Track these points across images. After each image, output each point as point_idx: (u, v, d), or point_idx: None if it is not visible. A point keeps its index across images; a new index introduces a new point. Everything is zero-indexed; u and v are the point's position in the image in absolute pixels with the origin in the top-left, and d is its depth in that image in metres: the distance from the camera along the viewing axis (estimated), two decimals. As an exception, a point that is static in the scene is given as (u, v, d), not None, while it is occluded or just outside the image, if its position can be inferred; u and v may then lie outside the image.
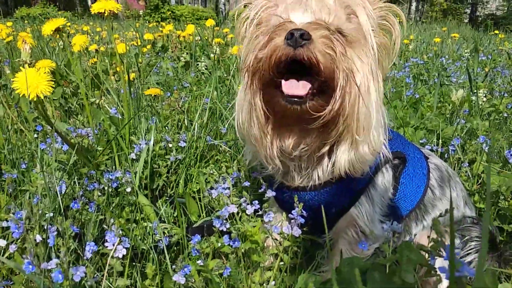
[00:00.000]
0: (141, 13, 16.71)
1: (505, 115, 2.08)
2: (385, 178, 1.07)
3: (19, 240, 0.89)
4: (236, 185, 1.33)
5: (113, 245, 0.96)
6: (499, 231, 1.24)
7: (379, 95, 0.97)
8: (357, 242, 1.04)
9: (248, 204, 1.12)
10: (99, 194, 1.34)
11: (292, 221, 1.04)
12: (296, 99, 0.88)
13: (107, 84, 2.21)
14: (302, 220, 1.02)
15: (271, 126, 0.99)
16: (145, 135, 1.59)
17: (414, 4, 28.87)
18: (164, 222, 1.28)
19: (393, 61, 1.00)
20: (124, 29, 7.27)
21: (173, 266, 0.91)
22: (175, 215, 1.43)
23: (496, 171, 1.42)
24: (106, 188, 1.35)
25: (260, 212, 1.11)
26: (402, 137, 1.20)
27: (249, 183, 1.22)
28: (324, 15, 0.93)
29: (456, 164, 1.55)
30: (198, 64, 3.68)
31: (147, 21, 13.36)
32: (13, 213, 1.00)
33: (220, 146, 1.75)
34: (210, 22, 4.78)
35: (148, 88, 2.33)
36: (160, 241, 1.10)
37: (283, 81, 0.89)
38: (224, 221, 1.09)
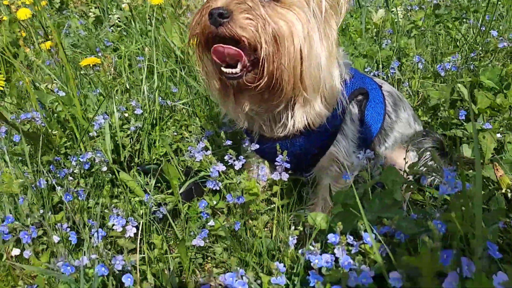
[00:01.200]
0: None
1: (423, 29, 2.28)
2: (352, 114, 1.18)
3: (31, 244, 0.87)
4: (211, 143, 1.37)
5: (122, 227, 0.98)
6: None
7: (329, 52, 1.01)
8: (339, 176, 1.16)
9: (234, 160, 1.17)
10: (71, 178, 1.30)
11: (278, 167, 1.13)
12: (232, 76, 0.95)
13: (30, 58, 2.02)
14: (288, 165, 1.11)
15: (228, 91, 1.05)
16: (98, 109, 1.52)
17: None
18: (147, 192, 1.30)
19: (340, 21, 1.04)
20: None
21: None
22: (151, 183, 1.44)
23: (431, 84, 1.60)
24: (78, 171, 1.31)
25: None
26: (358, 72, 1.30)
27: (230, 142, 1.26)
28: None
29: (397, 85, 1.71)
30: (110, 18, 3.42)
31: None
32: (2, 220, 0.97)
33: (175, 106, 1.73)
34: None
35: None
36: (158, 212, 1.13)
37: (213, 58, 0.94)
38: (216, 181, 1.14)
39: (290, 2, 0.95)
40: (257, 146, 1.18)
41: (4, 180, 1.08)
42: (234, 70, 0.95)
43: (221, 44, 0.91)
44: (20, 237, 0.83)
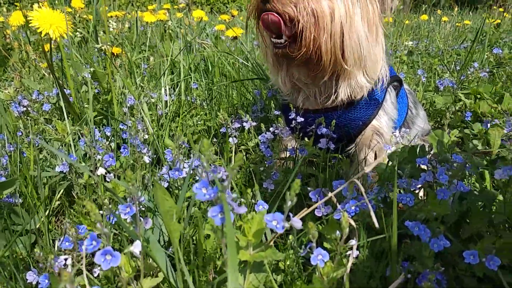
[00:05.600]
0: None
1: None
2: (391, 96, 1.30)
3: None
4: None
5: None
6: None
7: (371, 32, 1.15)
8: (380, 149, 1.25)
9: (282, 130, 1.23)
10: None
11: (323, 139, 1.20)
12: (278, 45, 1.08)
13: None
14: (335, 135, 1.18)
15: (281, 60, 1.18)
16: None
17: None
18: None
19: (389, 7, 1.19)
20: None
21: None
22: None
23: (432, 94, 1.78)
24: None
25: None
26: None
27: (279, 112, 1.32)
28: None
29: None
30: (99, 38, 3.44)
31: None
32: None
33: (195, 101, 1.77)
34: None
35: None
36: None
37: (261, 26, 1.08)
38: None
39: None
40: (302, 119, 1.25)
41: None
42: (279, 40, 1.07)
43: (266, 12, 1.04)
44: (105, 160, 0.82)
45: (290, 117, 1.26)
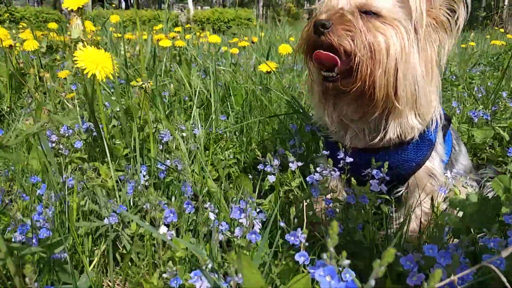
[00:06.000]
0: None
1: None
2: (439, 137, 1.25)
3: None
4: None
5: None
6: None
7: (427, 70, 1.11)
8: (433, 191, 1.19)
9: (332, 170, 1.17)
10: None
11: (374, 180, 1.14)
12: (329, 78, 1.05)
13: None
14: (388, 178, 1.12)
15: (328, 95, 1.14)
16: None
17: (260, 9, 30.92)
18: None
19: (455, 39, 1.14)
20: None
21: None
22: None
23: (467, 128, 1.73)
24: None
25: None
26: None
27: (327, 152, 1.26)
28: None
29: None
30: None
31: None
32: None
33: (224, 133, 1.72)
34: (52, 25, 4.64)
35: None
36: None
37: (314, 62, 1.06)
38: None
39: (392, 17, 1.05)
40: (351, 159, 1.19)
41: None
42: (331, 74, 1.04)
43: (319, 50, 1.01)
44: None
45: (338, 157, 1.20)
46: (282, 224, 0.73)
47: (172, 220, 0.78)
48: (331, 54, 1.01)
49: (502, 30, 9.43)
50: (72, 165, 1.25)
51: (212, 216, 0.78)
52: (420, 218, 1.19)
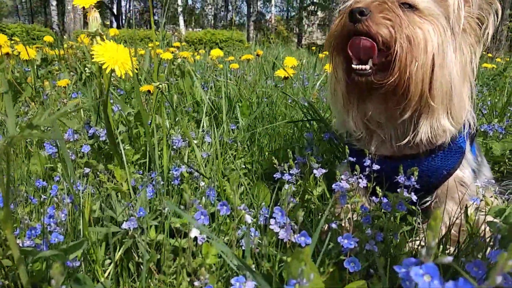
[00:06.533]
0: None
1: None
2: (466, 146, 1.20)
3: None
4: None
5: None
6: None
7: (462, 68, 1.07)
8: (464, 201, 1.13)
9: (359, 178, 1.10)
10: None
11: (405, 189, 1.07)
12: (361, 72, 0.98)
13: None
14: (418, 186, 1.06)
15: (353, 96, 1.08)
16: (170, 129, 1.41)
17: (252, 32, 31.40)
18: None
19: (482, 48, 1.10)
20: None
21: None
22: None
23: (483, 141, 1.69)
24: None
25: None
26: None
27: (354, 159, 1.20)
28: None
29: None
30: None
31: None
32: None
33: (235, 143, 1.65)
34: (48, 38, 4.65)
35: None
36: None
37: (349, 52, 0.98)
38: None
39: (429, 12, 1.00)
40: (378, 166, 1.13)
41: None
42: (364, 67, 0.98)
43: (358, 36, 0.95)
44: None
45: (364, 164, 1.14)
46: (333, 225, 0.66)
47: (203, 222, 0.70)
48: (370, 41, 0.94)
49: (490, 55, 9.64)
50: (79, 171, 1.17)
51: (249, 219, 0.70)
52: (450, 227, 1.13)
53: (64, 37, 6.67)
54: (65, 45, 4.30)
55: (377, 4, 0.96)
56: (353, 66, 0.98)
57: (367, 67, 0.97)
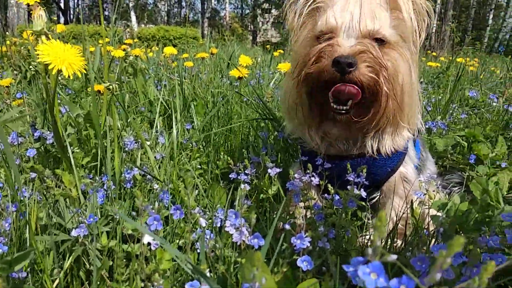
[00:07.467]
0: None
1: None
2: (410, 143, 1.26)
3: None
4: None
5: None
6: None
7: (416, 80, 1.13)
8: (406, 196, 1.19)
9: (312, 176, 1.13)
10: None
11: (353, 185, 1.11)
12: (342, 111, 1.01)
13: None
14: (367, 182, 1.11)
15: (316, 118, 1.12)
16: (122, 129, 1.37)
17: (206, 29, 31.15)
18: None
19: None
20: None
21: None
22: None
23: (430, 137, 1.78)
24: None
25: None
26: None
27: (306, 157, 1.22)
28: (369, 23, 1.01)
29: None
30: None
31: None
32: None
33: (190, 143, 1.63)
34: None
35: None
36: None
37: (330, 95, 1.00)
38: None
39: (394, 42, 1.04)
40: (329, 164, 1.16)
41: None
42: (344, 107, 1.01)
43: (343, 83, 0.97)
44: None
45: (316, 163, 1.17)
46: (286, 226, 0.67)
47: (156, 228, 0.69)
48: (357, 88, 0.96)
49: (434, 54, 10.13)
50: (24, 176, 1.11)
51: (203, 222, 0.70)
52: (397, 222, 1.18)
53: (7, 33, 6.28)
54: (8, 42, 4.06)
55: (360, 54, 0.96)
56: (333, 106, 1.01)
57: (347, 107, 1.00)
